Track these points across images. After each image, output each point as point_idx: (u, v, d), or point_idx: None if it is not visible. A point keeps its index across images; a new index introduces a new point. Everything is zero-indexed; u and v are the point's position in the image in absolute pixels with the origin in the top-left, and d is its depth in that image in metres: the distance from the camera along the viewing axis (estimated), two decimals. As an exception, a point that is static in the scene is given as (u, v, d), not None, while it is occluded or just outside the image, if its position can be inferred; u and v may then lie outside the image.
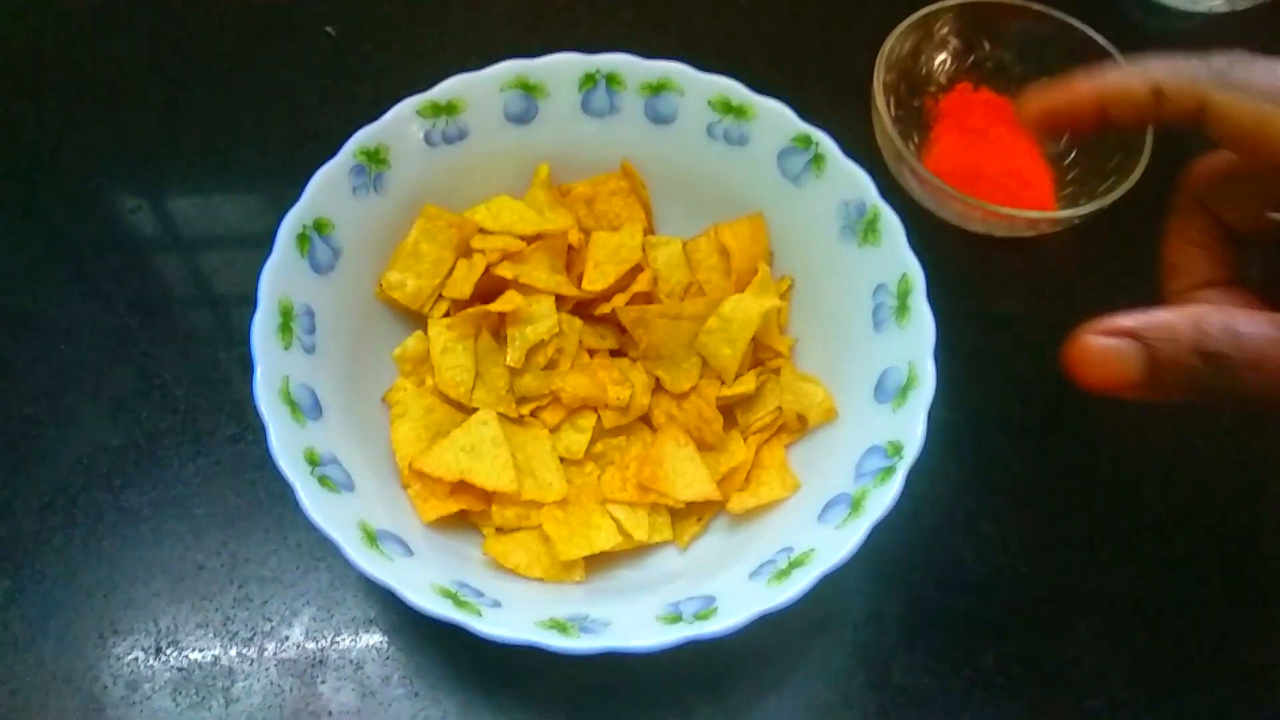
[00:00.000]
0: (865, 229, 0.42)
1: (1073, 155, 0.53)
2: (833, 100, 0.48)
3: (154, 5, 0.60)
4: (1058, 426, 0.49)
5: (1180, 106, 0.29)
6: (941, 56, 0.55)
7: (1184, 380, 0.27)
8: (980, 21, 0.54)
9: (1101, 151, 0.51)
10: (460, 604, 0.35)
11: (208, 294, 0.52)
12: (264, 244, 0.40)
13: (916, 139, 0.54)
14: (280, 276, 0.39)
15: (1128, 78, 0.30)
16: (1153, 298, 0.31)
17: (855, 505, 0.37)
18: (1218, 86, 0.29)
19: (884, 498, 0.36)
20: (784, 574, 0.36)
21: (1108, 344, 0.28)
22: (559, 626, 0.35)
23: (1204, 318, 0.27)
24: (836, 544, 0.35)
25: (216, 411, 0.47)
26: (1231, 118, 0.28)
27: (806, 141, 0.43)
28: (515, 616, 0.35)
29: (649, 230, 0.48)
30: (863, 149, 0.45)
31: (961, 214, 0.50)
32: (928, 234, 0.43)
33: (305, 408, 0.38)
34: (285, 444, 0.36)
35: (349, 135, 0.42)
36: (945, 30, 0.54)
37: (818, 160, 0.43)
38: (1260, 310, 0.27)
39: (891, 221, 0.41)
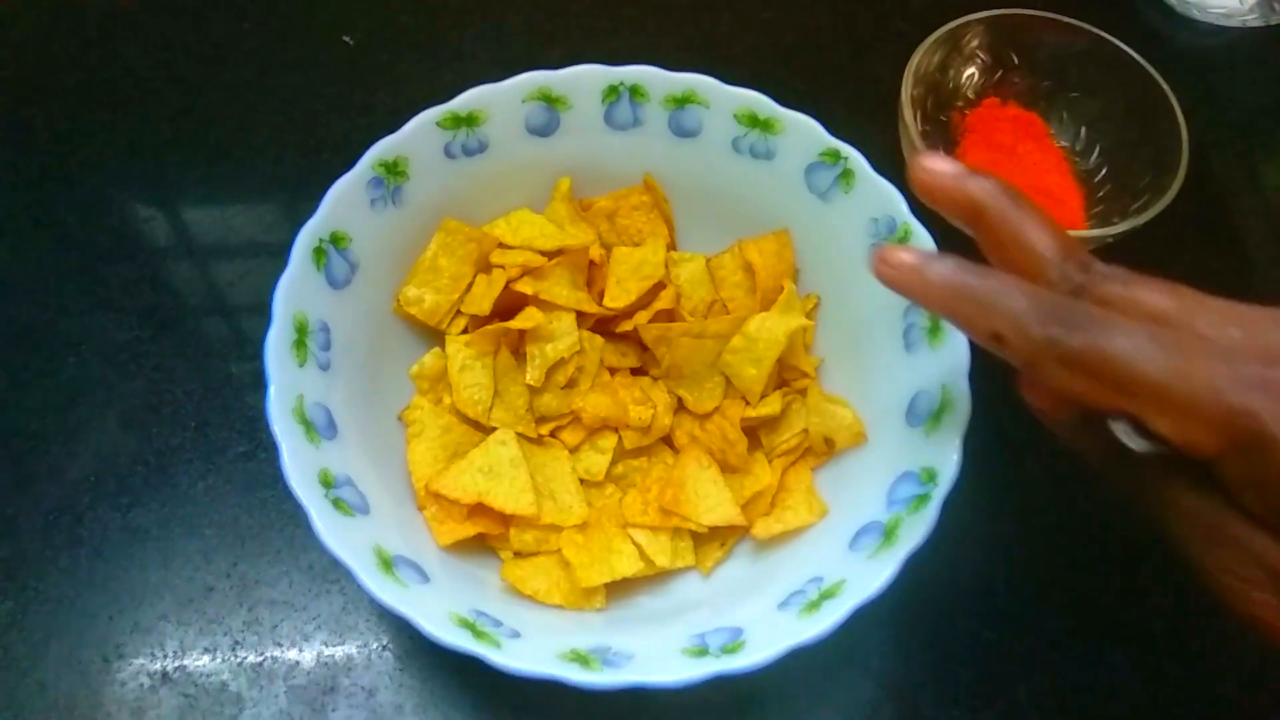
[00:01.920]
0: (896, 247, 0.41)
1: (1103, 172, 0.52)
2: (856, 114, 0.47)
3: (168, 11, 0.60)
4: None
5: None
6: (970, 70, 0.54)
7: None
8: (1010, 35, 0.52)
9: (1133, 169, 0.50)
10: (479, 635, 0.33)
11: (220, 305, 0.51)
12: (278, 254, 0.38)
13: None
14: (295, 291, 0.38)
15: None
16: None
17: (888, 534, 0.36)
18: None
19: (918, 527, 0.35)
20: (814, 605, 0.34)
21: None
22: (581, 659, 0.33)
23: None
24: (869, 575, 0.34)
25: (228, 428, 0.46)
26: None
27: (835, 156, 0.42)
28: (535, 648, 0.34)
29: (672, 246, 0.46)
30: (887, 164, 0.43)
31: (991, 232, 0.48)
32: (960, 252, 0.42)
33: (320, 427, 0.37)
34: (299, 466, 0.35)
35: (366, 145, 0.41)
36: (974, 44, 0.53)
37: (847, 175, 0.42)
38: None
39: (923, 239, 0.40)
